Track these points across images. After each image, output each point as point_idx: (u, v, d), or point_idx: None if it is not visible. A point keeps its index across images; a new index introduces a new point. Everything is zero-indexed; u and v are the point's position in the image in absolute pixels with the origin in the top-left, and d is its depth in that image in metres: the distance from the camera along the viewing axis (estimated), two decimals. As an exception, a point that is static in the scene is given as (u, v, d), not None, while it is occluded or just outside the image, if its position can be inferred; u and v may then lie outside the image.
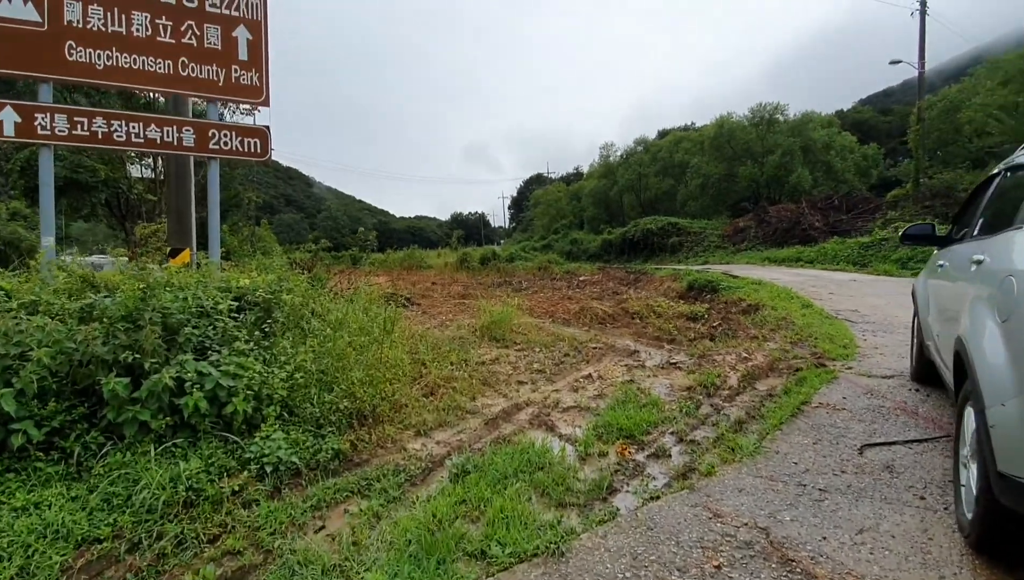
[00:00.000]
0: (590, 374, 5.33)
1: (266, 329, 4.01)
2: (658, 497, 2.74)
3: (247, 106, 14.15)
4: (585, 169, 60.69)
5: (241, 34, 5.70)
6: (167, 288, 3.98)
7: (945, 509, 2.48)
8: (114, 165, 13.07)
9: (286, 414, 3.65)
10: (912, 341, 4.70)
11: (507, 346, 6.68)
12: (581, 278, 16.86)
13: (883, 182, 35.72)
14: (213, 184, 5.79)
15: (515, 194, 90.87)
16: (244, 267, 7.13)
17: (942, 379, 3.36)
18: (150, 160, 15.63)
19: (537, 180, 79.85)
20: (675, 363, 5.59)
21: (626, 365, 5.63)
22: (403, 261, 29.58)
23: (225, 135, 5.64)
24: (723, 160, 34.35)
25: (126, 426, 3.18)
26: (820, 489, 2.72)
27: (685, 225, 30.47)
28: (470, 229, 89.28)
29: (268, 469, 3.09)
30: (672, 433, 3.63)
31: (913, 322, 4.66)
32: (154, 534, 2.52)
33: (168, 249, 7.27)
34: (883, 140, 43.74)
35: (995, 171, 3.10)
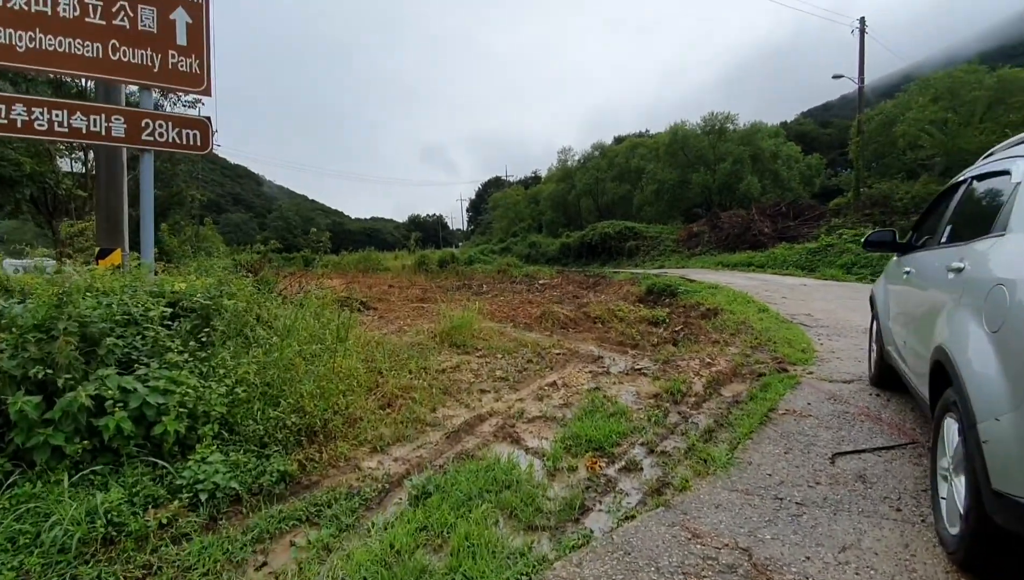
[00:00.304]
0: (554, 381, 5.18)
1: (203, 338, 3.64)
2: (633, 516, 2.59)
3: (191, 97, 13.38)
4: (543, 173, 61.07)
5: (180, 17, 5.26)
6: (89, 293, 3.57)
7: (922, 521, 2.43)
8: (41, 158, 11.94)
9: (225, 433, 3.31)
10: (870, 346, 4.76)
11: (468, 352, 6.45)
12: (541, 281, 16.79)
13: (824, 191, 37.53)
14: (147, 179, 5.32)
15: (473, 197, 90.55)
16: (182, 269, 6.65)
17: (907, 385, 3.36)
18: (81, 153, 14.42)
19: (495, 183, 79.82)
20: (640, 369, 5.51)
21: (591, 371, 5.51)
22: (359, 263, 28.80)
23: (160, 125, 5.18)
24: (677, 167, 35.20)
25: (37, 451, 2.79)
26: (797, 503, 2.64)
27: (641, 229, 31.00)
28: (428, 231, 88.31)
29: (203, 497, 2.76)
30: (642, 444, 3.50)
31: (871, 327, 4.72)
32: (67, 578, 2.17)
33: (96, 249, 6.69)
34: (824, 151, 45.93)
35: (960, 178, 3.13)
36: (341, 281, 17.37)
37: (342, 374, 4.39)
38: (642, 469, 3.15)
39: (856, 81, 24.60)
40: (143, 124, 5.12)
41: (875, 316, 4.47)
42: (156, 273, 5.61)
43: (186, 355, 3.42)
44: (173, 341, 3.45)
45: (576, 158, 47.15)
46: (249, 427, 3.37)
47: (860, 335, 6.54)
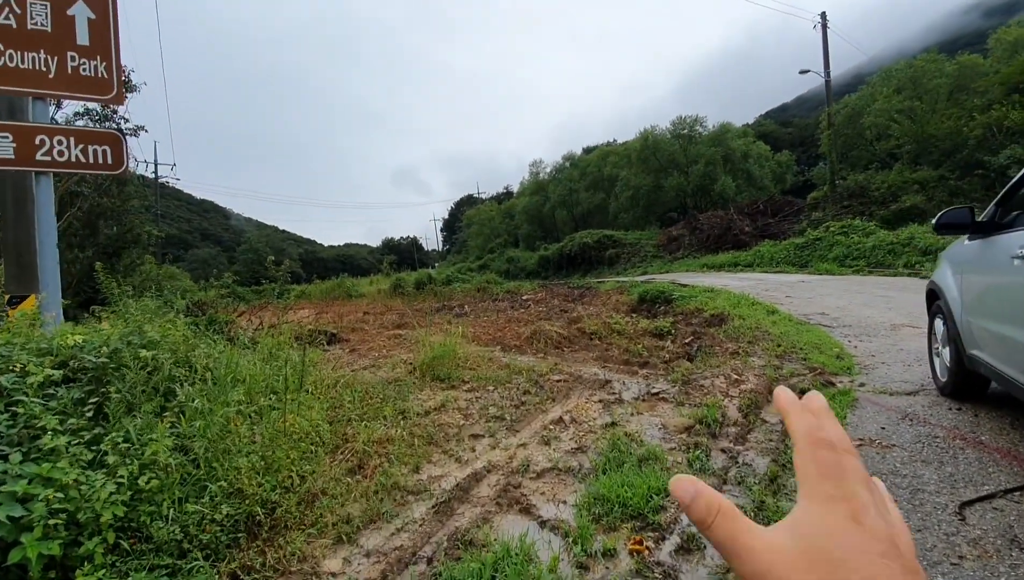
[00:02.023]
0: (560, 417, 4.32)
1: (89, 410, 2.68)
2: (720, 642, 1.74)
3: (129, 125, 12.34)
4: (515, 188, 60.81)
5: (80, 12, 4.36)
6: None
7: None
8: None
9: (125, 543, 2.37)
10: (931, 349, 4.04)
11: (454, 386, 5.56)
12: (524, 297, 15.97)
13: (794, 187, 37.78)
14: (45, 208, 4.36)
15: (447, 216, 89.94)
16: (112, 316, 5.67)
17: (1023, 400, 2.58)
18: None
19: (468, 201, 79.34)
20: (657, 393, 4.69)
21: (600, 401, 4.67)
22: (331, 291, 27.62)
23: (60, 141, 4.24)
24: (650, 172, 34.99)
25: None
26: (951, 598, 1.82)
27: (620, 237, 30.52)
28: (403, 254, 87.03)
29: (72, 662, 1.83)
30: (693, 505, 2.67)
31: (931, 327, 4.00)
32: None
33: (7, 297, 5.67)
34: (787, 149, 46.49)
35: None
36: (311, 311, 16.31)
37: (297, 434, 3.48)
38: (705, 547, 2.32)
39: (822, 75, 24.66)
40: (37, 141, 4.17)
41: (940, 313, 3.74)
42: (94, 320, 4.64)
43: (67, 436, 2.48)
44: (47, 418, 2.50)
45: (548, 170, 46.88)
46: (160, 529, 2.44)
47: (891, 334, 5.86)
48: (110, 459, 2.41)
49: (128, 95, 11.84)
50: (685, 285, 12.28)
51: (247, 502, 2.76)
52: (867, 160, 27.83)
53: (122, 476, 2.41)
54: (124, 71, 11.66)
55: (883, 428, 3.32)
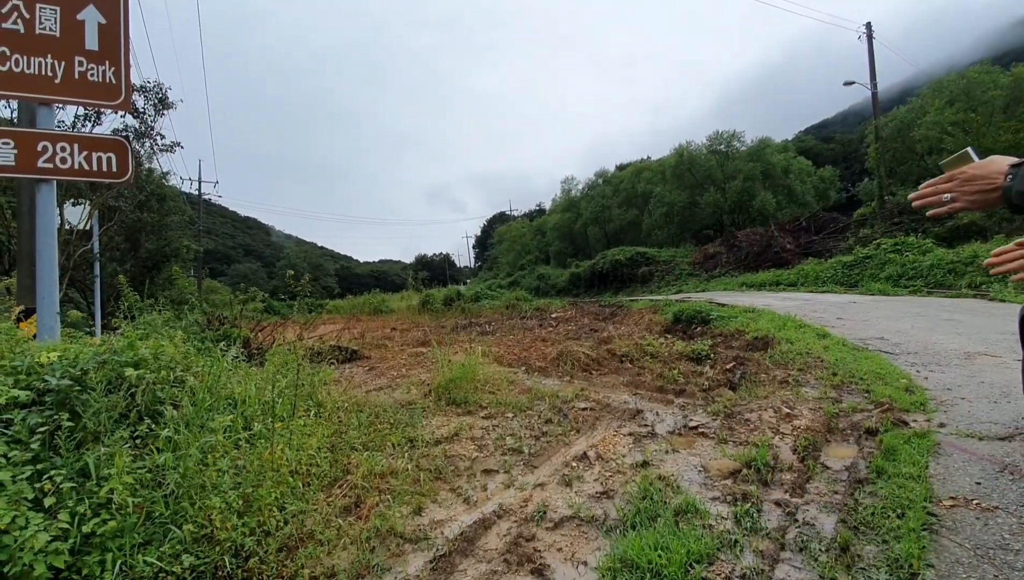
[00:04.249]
0: (585, 452, 3.85)
1: (36, 440, 2.36)
2: None
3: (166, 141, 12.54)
4: (547, 205, 60.65)
5: (90, 17, 4.23)
6: None
7: None
8: (-3, 211, 11.04)
9: (64, 602, 2.03)
10: (1024, 383, 3.41)
11: (470, 411, 5.15)
12: (553, 315, 15.50)
13: (837, 204, 36.31)
14: (47, 217, 4.19)
15: (479, 233, 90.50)
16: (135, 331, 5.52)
17: None
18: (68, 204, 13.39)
19: (500, 218, 79.67)
20: (695, 427, 4.17)
21: (630, 434, 4.17)
22: (362, 306, 27.75)
23: (63, 148, 4.08)
24: (685, 188, 34.20)
25: None
26: None
27: (654, 254, 29.76)
28: (435, 270, 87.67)
29: None
30: (743, 578, 2.17)
31: (1026, 357, 3.39)
32: None
33: (18, 310, 5.58)
34: (829, 165, 44.93)
35: None
36: (337, 327, 16.22)
37: (286, 467, 3.12)
38: (762, 641, 1.82)
39: (868, 87, 23.63)
40: (39, 148, 4.02)
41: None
42: (100, 336, 4.46)
43: (12, 470, 2.18)
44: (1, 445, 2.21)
45: (580, 187, 46.57)
46: (107, 585, 2.09)
47: (966, 364, 5.17)
48: (47, 501, 2.08)
49: (165, 112, 12.07)
50: (723, 304, 11.60)
51: (217, 550, 2.39)
52: (918, 175, 26.40)
53: (64, 520, 2.08)
54: (161, 88, 11.88)
55: (979, 483, 2.73)
